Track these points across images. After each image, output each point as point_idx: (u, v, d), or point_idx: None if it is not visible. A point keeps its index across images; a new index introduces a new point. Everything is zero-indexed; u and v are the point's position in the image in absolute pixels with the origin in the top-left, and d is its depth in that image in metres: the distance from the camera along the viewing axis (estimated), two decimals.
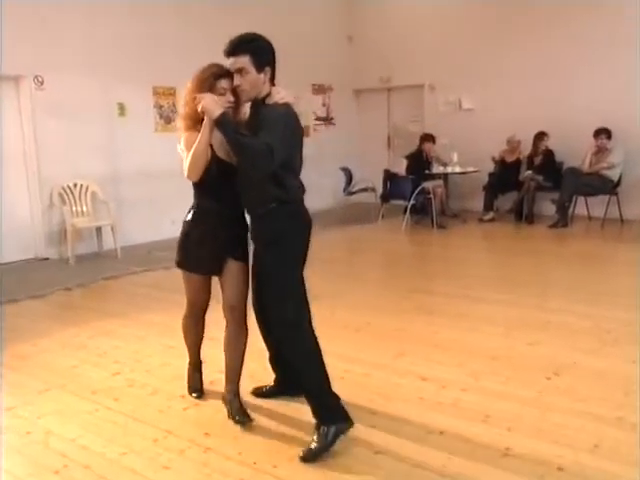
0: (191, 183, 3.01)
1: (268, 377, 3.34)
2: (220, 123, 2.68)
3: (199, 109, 2.73)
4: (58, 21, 7.11)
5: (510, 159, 8.97)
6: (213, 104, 2.70)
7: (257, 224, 2.93)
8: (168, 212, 7.32)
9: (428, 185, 8.58)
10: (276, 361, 3.26)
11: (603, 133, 8.07)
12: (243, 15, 8.26)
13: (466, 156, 9.01)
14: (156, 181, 7.91)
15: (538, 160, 8.68)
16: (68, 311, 5.30)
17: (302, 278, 2.96)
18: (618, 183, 8.11)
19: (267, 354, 3.26)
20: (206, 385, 3.44)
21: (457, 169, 9.00)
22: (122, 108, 7.83)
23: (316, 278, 5.74)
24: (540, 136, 8.63)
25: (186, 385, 3.43)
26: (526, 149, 8.86)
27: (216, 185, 2.97)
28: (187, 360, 3.45)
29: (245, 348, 3.10)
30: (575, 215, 8.45)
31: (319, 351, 2.89)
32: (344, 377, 3.57)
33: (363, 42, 10.80)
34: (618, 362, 3.66)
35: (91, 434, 3.00)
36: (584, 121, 8.29)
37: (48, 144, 7.15)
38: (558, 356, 3.79)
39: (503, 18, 9.23)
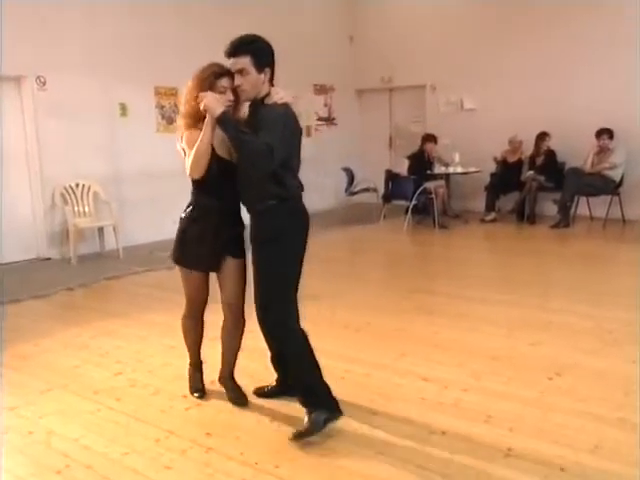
0: (191, 181, 3.05)
1: (269, 377, 3.34)
2: (222, 121, 2.74)
3: (201, 107, 2.78)
4: (60, 22, 7.12)
5: (512, 159, 8.97)
6: (215, 102, 2.76)
7: (256, 221, 2.98)
8: (170, 212, 7.25)
9: (430, 185, 8.58)
10: (278, 361, 3.27)
11: (605, 133, 8.07)
12: (244, 15, 8.27)
13: (468, 156, 9.01)
14: (158, 181, 7.92)
15: (540, 160, 8.68)
16: (70, 311, 5.30)
17: (299, 277, 3.01)
18: (620, 183, 8.10)
19: (268, 354, 3.26)
20: (207, 385, 3.44)
21: (459, 169, 9.00)
22: (124, 108, 7.84)
23: (317, 278, 5.80)
24: (542, 136, 8.63)
25: (187, 385, 3.44)
26: (528, 149, 8.86)
27: (217, 183, 3.01)
28: (188, 360, 3.45)
29: (242, 337, 3.24)
30: (577, 215, 8.44)
31: (308, 345, 2.97)
32: (345, 377, 3.58)
33: (364, 42, 10.80)
34: (619, 362, 3.66)
35: (93, 434, 3.01)
36: (586, 121, 8.28)
37: (50, 144, 7.16)
38: (559, 356, 3.79)
39: (504, 18, 9.23)
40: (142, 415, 3.19)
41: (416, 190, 8.44)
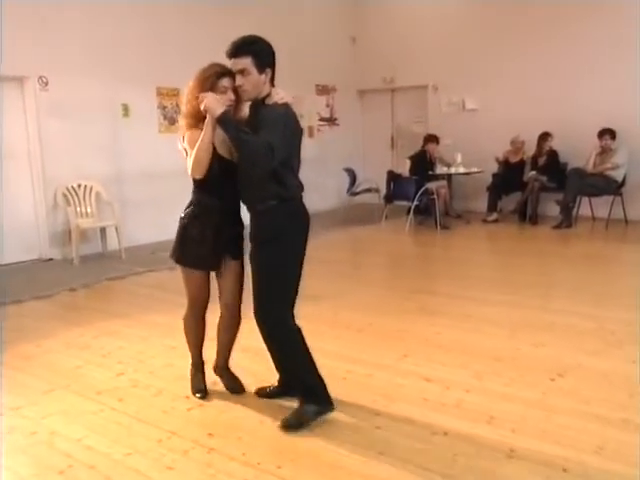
0: (192, 180, 3.08)
1: (272, 377, 3.34)
2: (222, 121, 2.78)
3: (202, 107, 2.81)
4: (63, 22, 7.13)
5: (514, 160, 8.97)
6: (215, 103, 2.79)
7: (257, 221, 3.01)
8: (172, 212, 7.21)
9: (432, 186, 8.58)
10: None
11: (607, 134, 8.06)
12: (246, 16, 8.29)
13: (470, 157, 9.01)
14: (160, 182, 7.93)
15: (542, 161, 8.68)
16: (72, 311, 5.31)
17: (299, 278, 3.06)
18: (622, 184, 8.10)
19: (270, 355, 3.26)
20: (209, 385, 3.44)
21: (461, 170, 9.00)
22: (126, 109, 7.85)
23: (319, 278, 5.80)
24: (544, 137, 8.63)
25: (189, 386, 3.44)
26: (530, 150, 8.86)
27: (218, 182, 3.03)
28: (190, 361, 3.46)
29: (237, 332, 3.33)
30: (579, 216, 8.44)
31: (304, 342, 3.05)
32: (347, 378, 3.58)
33: (366, 43, 10.81)
34: (622, 363, 3.65)
35: (96, 434, 3.01)
36: (588, 121, 8.28)
37: (52, 145, 7.17)
38: (562, 357, 3.78)
39: (506, 19, 9.23)
40: (144, 416, 3.19)
41: (418, 190, 8.44)
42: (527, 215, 8.67)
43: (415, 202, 8.52)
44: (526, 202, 8.68)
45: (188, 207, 3.17)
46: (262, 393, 3.35)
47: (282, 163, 2.84)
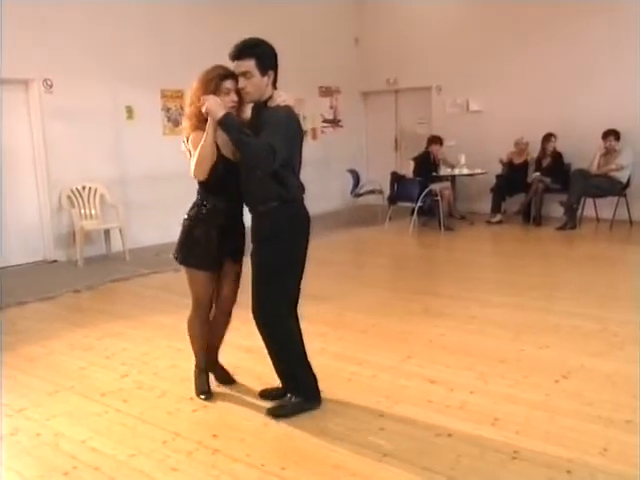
0: (197, 181, 3.12)
1: (276, 379, 3.33)
2: (223, 124, 2.82)
3: (203, 110, 2.85)
4: (66, 25, 7.16)
5: (518, 161, 8.95)
6: (217, 106, 2.83)
7: (258, 221, 3.06)
8: (176, 214, 7.23)
9: (435, 187, 8.57)
10: None
11: (611, 134, 8.04)
12: (250, 18, 8.30)
13: (473, 158, 8.99)
14: (164, 184, 7.94)
15: (546, 162, 8.66)
16: (76, 313, 5.32)
17: (300, 280, 3.11)
18: (627, 185, 8.07)
19: None
20: (213, 387, 3.45)
21: (464, 171, 8.99)
22: (130, 111, 7.87)
23: (323, 279, 5.80)
24: (547, 137, 8.61)
25: (193, 387, 3.44)
26: (534, 151, 8.84)
27: (223, 184, 3.08)
28: (194, 362, 3.46)
29: (227, 329, 3.45)
30: (583, 217, 8.41)
31: (301, 340, 3.14)
32: (351, 379, 3.58)
33: (370, 44, 10.81)
34: (627, 365, 3.64)
35: (100, 436, 3.02)
36: (592, 122, 8.26)
37: (57, 147, 7.20)
38: (566, 359, 3.77)
39: (510, 20, 9.22)
40: (149, 417, 3.20)
41: (422, 192, 8.43)
42: (531, 216, 8.65)
43: (419, 203, 8.51)
44: (530, 203, 8.66)
45: (192, 208, 3.19)
46: (266, 395, 3.35)
47: (283, 165, 2.88)
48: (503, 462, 2.65)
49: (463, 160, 8.98)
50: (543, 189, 8.51)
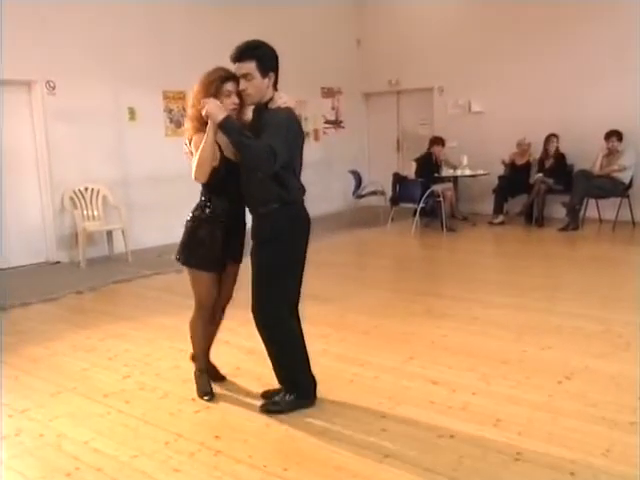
0: (201, 183, 3.12)
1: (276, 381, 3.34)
2: (223, 127, 2.84)
3: (203, 113, 2.87)
4: (67, 26, 7.16)
5: (520, 162, 8.94)
6: (217, 109, 2.84)
7: (258, 222, 3.08)
8: (179, 216, 7.26)
9: (437, 188, 8.57)
10: None
11: (614, 135, 8.03)
12: (252, 20, 8.31)
13: (476, 159, 8.99)
14: (166, 185, 7.95)
15: (549, 163, 8.65)
16: (79, 314, 5.33)
17: (300, 282, 3.13)
18: (629, 185, 8.06)
19: None
20: (215, 388, 3.45)
21: (467, 172, 8.98)
22: (132, 112, 7.88)
23: (325, 281, 5.80)
24: (549, 138, 8.60)
25: (195, 388, 3.44)
26: (536, 152, 8.83)
27: (226, 185, 3.10)
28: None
29: (219, 327, 3.52)
30: (586, 218, 8.40)
31: (301, 341, 3.16)
32: (353, 380, 3.58)
33: (371, 45, 10.81)
34: (629, 366, 3.63)
35: (103, 437, 3.02)
36: (594, 123, 8.25)
37: (60, 148, 7.21)
38: (569, 360, 3.76)
39: (512, 21, 9.21)
40: (151, 418, 3.20)
41: (424, 193, 8.43)
42: (533, 217, 8.63)
43: (421, 204, 8.51)
44: (532, 204, 8.65)
45: (196, 209, 3.21)
46: (268, 396, 3.34)
47: (284, 167, 2.90)
48: (506, 463, 2.64)
49: (465, 161, 8.98)
50: (545, 190, 8.49)
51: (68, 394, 3.57)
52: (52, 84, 7.11)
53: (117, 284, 6.25)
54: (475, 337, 4.25)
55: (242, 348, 4.05)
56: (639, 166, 8.06)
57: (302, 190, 3.10)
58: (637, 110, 8.12)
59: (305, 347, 3.19)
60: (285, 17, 9.28)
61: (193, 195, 3.28)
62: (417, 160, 9.06)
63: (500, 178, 9.00)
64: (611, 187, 8.01)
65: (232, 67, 2.99)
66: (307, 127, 9.75)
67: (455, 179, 9.16)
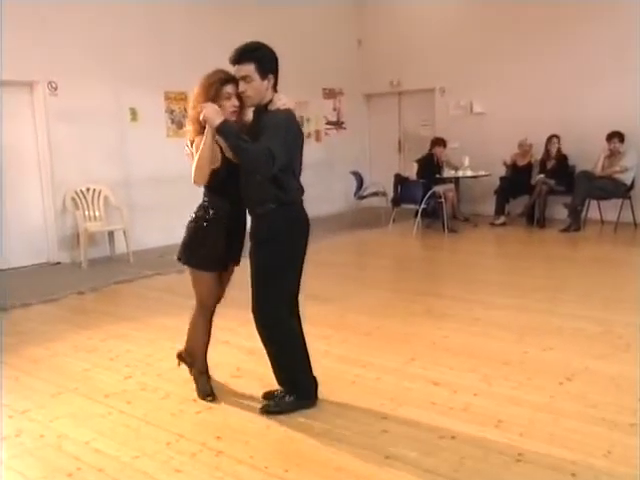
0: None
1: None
2: (221, 131, 2.85)
3: (200, 118, 2.88)
4: (67, 26, 7.17)
5: (522, 163, 8.94)
6: (214, 113, 2.86)
7: (257, 223, 3.09)
8: (180, 216, 7.27)
9: (439, 189, 8.57)
10: None
11: (616, 136, 8.02)
12: (253, 21, 8.31)
13: (477, 160, 8.99)
14: (168, 185, 7.96)
15: (551, 164, 8.65)
16: (80, 315, 5.33)
17: (299, 281, 3.14)
18: (631, 187, 8.06)
19: None
20: (216, 389, 3.45)
21: (468, 173, 8.98)
22: (134, 113, 7.89)
23: (326, 281, 5.81)
24: (551, 139, 8.60)
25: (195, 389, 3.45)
26: (538, 153, 8.83)
27: (228, 186, 3.11)
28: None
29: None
30: (588, 219, 8.39)
31: (302, 341, 3.17)
32: (355, 381, 3.58)
33: (372, 46, 10.81)
34: (630, 367, 3.63)
35: (104, 437, 3.02)
36: (596, 124, 8.25)
37: (61, 149, 7.22)
38: (570, 361, 3.76)
39: (513, 22, 9.21)
40: (152, 419, 3.20)
41: (425, 194, 8.43)
42: (535, 218, 8.63)
43: (422, 205, 8.51)
44: (534, 205, 8.65)
45: (199, 210, 3.21)
46: (269, 397, 3.34)
47: (283, 169, 2.91)
48: (507, 464, 2.64)
49: (467, 162, 8.98)
50: (547, 191, 8.49)
51: (69, 395, 3.57)
52: (54, 85, 7.12)
53: (118, 285, 6.25)
54: (476, 338, 4.25)
55: (242, 348, 4.05)
56: None
57: (300, 190, 3.11)
58: (637, 110, 8.12)
59: (305, 347, 3.20)
60: (285, 17, 9.29)
61: (195, 196, 3.29)
62: (418, 161, 9.06)
63: (502, 179, 9.00)
64: (613, 188, 8.01)
65: (232, 69, 2.99)
66: (309, 128, 9.77)
67: (456, 180, 9.16)
